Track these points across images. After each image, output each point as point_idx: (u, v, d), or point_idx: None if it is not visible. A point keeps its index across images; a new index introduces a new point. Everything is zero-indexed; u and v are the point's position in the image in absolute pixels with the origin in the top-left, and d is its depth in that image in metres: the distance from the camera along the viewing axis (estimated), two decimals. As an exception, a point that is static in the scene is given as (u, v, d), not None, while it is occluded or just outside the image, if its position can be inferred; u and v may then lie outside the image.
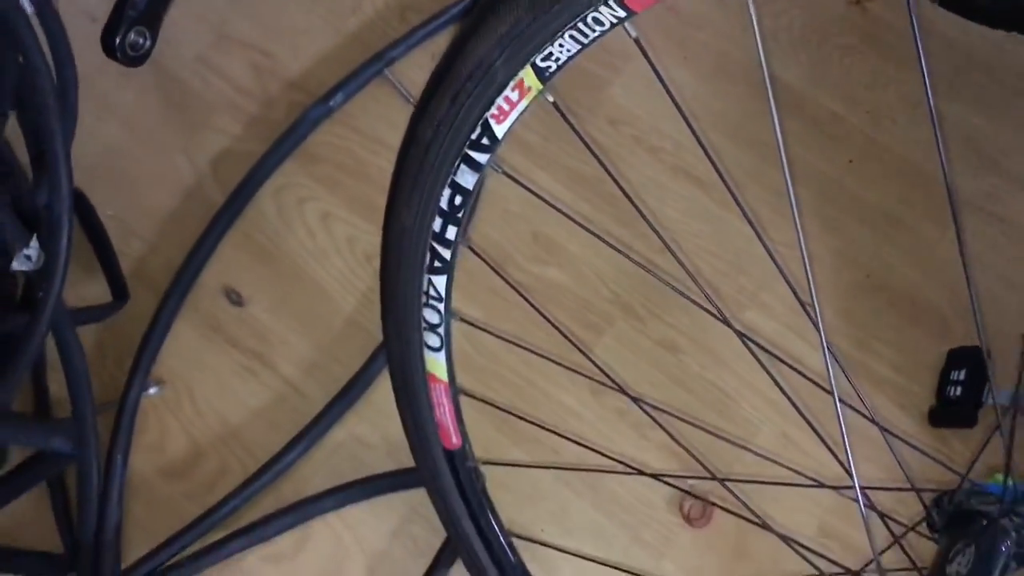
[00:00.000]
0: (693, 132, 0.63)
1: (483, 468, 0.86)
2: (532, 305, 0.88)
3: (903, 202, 1.13)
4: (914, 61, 0.52)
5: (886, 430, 0.66)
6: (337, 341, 1.10)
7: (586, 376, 0.89)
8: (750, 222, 0.68)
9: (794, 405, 0.67)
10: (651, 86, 1.16)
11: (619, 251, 0.72)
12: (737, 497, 0.77)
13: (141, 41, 0.93)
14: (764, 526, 0.75)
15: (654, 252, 0.99)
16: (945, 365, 1.05)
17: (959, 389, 1.01)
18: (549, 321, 0.84)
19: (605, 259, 1.12)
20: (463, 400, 0.79)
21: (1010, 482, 0.61)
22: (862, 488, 0.61)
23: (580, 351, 0.85)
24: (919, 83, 0.58)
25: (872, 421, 0.65)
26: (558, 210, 0.78)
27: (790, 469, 0.88)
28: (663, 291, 1.10)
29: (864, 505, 0.63)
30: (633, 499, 1.03)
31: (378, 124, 1.20)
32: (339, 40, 1.24)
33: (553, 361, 0.83)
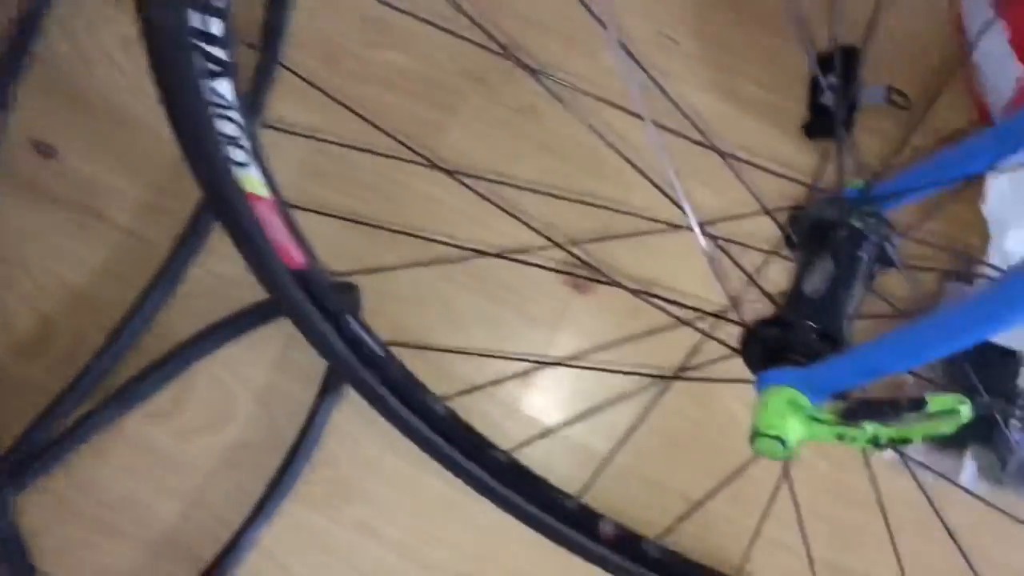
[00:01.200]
0: None
1: (359, 283, 0.79)
2: (361, 117, 0.79)
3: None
4: None
5: (725, 153, 0.60)
6: (171, 177, 1.00)
7: (426, 165, 0.81)
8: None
9: (592, 129, 0.60)
10: None
11: (443, 29, 0.63)
12: (580, 259, 0.70)
13: None
14: (613, 283, 0.70)
15: (484, 17, 0.90)
16: (813, 72, 0.98)
17: (831, 95, 0.96)
18: (378, 128, 0.75)
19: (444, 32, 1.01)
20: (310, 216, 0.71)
21: (859, 183, 0.56)
22: (700, 223, 0.55)
23: (402, 144, 0.76)
24: None
25: (708, 146, 0.58)
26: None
27: (643, 218, 0.82)
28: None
29: (703, 234, 0.57)
30: (519, 280, 0.98)
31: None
32: None
33: (389, 156, 0.75)
